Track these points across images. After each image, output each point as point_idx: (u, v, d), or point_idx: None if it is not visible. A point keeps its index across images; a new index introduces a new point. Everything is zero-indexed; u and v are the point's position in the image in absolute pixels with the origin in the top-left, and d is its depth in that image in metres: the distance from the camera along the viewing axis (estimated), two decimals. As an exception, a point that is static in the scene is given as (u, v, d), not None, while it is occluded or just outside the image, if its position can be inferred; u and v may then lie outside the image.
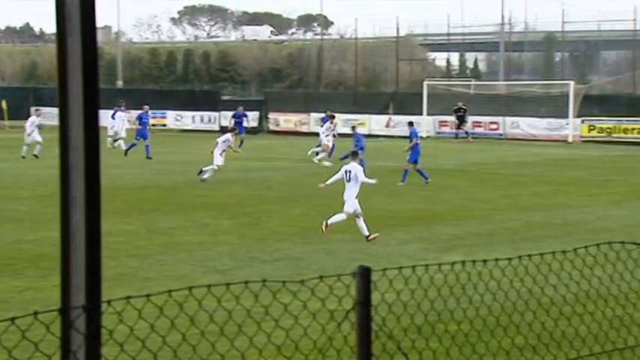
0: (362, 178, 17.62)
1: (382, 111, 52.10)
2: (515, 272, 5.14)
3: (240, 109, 43.49)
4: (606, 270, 5.61)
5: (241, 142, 38.90)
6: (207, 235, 17.32)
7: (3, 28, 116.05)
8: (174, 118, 56.09)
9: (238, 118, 41.43)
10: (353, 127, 33.14)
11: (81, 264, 3.17)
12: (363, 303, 3.82)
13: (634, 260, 5.64)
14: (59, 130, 3.17)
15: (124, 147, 37.69)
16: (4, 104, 46.49)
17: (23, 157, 34.58)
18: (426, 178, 26.16)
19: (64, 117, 3.21)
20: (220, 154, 27.35)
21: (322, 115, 39.78)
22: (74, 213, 3.23)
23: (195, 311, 3.90)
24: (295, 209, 20.91)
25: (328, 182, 18.17)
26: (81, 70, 3.16)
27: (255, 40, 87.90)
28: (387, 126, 50.40)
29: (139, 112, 38.79)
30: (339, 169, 18.03)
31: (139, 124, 37.94)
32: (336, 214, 17.25)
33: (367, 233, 16.62)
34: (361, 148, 29.68)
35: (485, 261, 4.59)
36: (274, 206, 21.45)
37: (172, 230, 17.87)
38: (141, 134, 37.41)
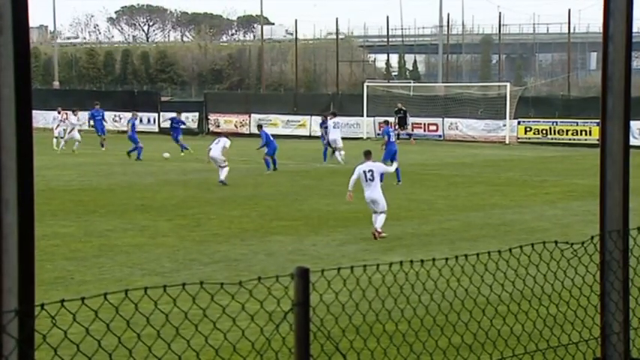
0: (388, 169, 19.03)
1: (323, 112, 52.25)
2: (452, 272, 5.20)
3: (178, 114, 41.65)
4: (540, 269, 5.72)
5: (182, 147, 37.69)
6: (146, 238, 17.17)
7: None
8: (113, 119, 55.40)
9: (176, 124, 40.12)
10: (259, 127, 33.35)
11: (13, 267, 3.13)
12: (302, 304, 3.83)
13: (567, 259, 5.75)
14: (-9, 132, 3.11)
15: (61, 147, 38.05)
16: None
17: None
18: (399, 180, 26.13)
19: (-5, 118, 3.15)
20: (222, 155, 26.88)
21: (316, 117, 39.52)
22: (6, 215, 3.18)
23: (131, 314, 3.86)
24: (235, 211, 20.85)
25: (350, 188, 17.72)
26: (13, 70, 3.12)
27: (193, 39, 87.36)
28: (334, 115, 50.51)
29: (92, 110, 40.42)
30: (353, 171, 17.72)
31: (93, 121, 39.77)
32: (378, 218, 16.98)
33: (380, 230, 16.73)
34: (270, 146, 29.91)
35: (422, 261, 4.64)
36: (214, 208, 21.36)
37: (110, 233, 17.66)
38: (101, 131, 40.00)
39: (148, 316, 3.92)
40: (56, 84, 67.44)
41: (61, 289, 12.23)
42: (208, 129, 54.08)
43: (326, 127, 35.47)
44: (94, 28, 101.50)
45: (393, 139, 29.10)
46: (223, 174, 26.19)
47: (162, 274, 13.65)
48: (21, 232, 3.16)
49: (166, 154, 34.70)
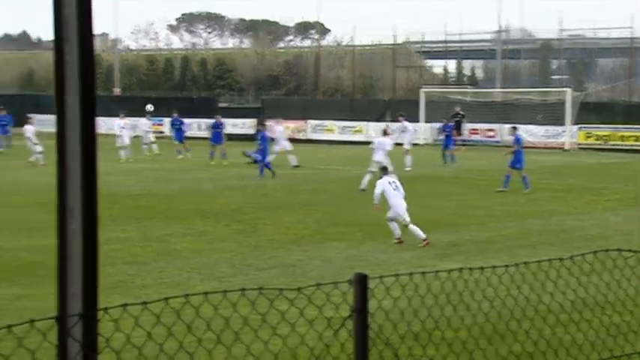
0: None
1: (379, 118, 52.14)
2: (512, 279, 5.14)
3: (218, 117, 40.27)
4: (603, 277, 5.61)
5: (224, 154, 36.56)
6: (204, 243, 17.31)
7: (1, 35, 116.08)
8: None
9: (217, 128, 38.55)
10: (262, 125, 33.44)
11: (77, 272, 3.17)
12: (360, 310, 3.82)
13: (630, 267, 5.64)
14: (56, 138, 3.17)
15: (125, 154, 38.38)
16: (2, 112, 46.47)
17: (42, 165, 34.18)
18: (527, 187, 25.86)
19: (61, 125, 3.21)
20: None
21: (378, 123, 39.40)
22: (71, 221, 3.22)
23: (192, 319, 3.89)
24: (291, 217, 20.90)
25: (376, 202, 17.70)
26: (78, 77, 3.16)
27: (251, 46, 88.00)
28: (385, 134, 50.37)
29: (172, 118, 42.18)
30: (378, 185, 17.68)
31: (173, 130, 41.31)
32: (415, 230, 16.95)
33: (423, 236, 16.78)
34: (265, 151, 30.13)
35: (482, 268, 4.59)
36: (270, 213, 21.44)
37: (168, 237, 17.85)
38: (179, 139, 40.50)
39: (208, 320, 3.95)
40: (117, 90, 68.48)
41: (122, 292, 12.38)
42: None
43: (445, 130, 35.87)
44: (154, 35, 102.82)
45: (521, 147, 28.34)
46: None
47: (219, 278, 13.74)
48: (85, 239, 3.20)
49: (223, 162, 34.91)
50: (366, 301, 3.83)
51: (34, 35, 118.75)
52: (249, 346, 4.07)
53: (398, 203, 17.29)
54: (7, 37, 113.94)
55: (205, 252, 16.25)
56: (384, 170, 18.38)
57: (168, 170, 33.50)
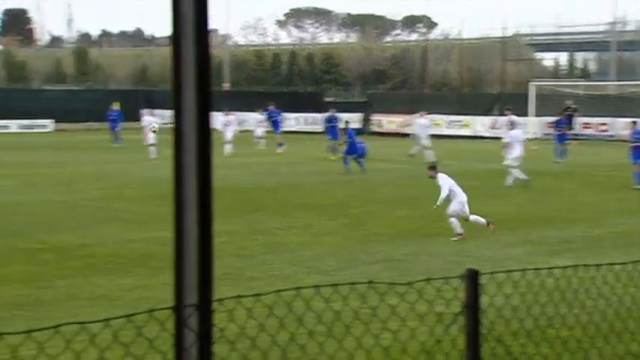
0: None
1: (487, 112, 51.43)
2: (631, 277, 4.99)
3: (333, 111, 39.38)
4: None
5: (334, 148, 35.08)
6: (310, 236, 17.44)
7: (117, 32, 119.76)
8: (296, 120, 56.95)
9: (331, 122, 37.52)
10: (346, 122, 32.81)
11: (193, 263, 3.24)
12: (472, 306, 3.78)
13: None
14: (173, 132, 3.24)
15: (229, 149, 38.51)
16: (117, 107, 47.99)
17: (152, 160, 34.92)
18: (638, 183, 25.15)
19: (178, 119, 3.28)
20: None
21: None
22: (187, 214, 3.30)
23: (303, 311, 3.94)
24: (398, 211, 20.84)
25: (440, 203, 17.53)
26: (194, 73, 3.23)
27: (357, 40, 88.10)
28: (493, 127, 49.70)
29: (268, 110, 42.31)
30: (445, 184, 17.55)
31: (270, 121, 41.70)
32: (477, 219, 17.31)
33: (486, 221, 17.06)
34: (353, 145, 29.59)
35: (598, 265, 4.48)
36: (377, 207, 21.43)
37: (276, 230, 18.06)
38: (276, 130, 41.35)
39: (319, 313, 3.98)
40: (226, 85, 69.71)
41: (230, 284, 12.59)
42: (370, 129, 54.39)
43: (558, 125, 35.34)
44: (263, 31, 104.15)
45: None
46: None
47: (326, 272, 13.82)
48: (200, 231, 3.27)
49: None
50: (478, 297, 3.79)
51: (147, 32, 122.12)
52: (360, 339, 4.09)
53: (463, 200, 17.17)
54: (123, 35, 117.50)
55: (311, 245, 16.38)
56: (434, 168, 17.92)
57: (275, 164, 33.89)
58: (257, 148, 41.05)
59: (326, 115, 39.91)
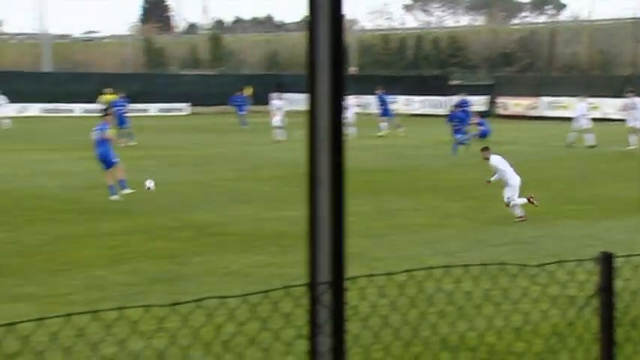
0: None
1: (617, 94, 49.58)
2: None
3: (463, 95, 37.97)
4: None
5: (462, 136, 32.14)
6: (436, 218, 17.30)
7: (249, 19, 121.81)
8: (404, 103, 56.57)
9: (462, 107, 35.53)
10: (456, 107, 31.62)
11: (326, 242, 3.26)
12: (606, 289, 3.66)
13: None
14: (307, 114, 3.26)
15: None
16: (249, 91, 48.89)
17: (278, 142, 35.49)
18: None
19: (312, 101, 3.30)
20: None
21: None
22: (320, 193, 3.31)
23: (433, 291, 3.90)
24: (525, 193, 20.38)
25: (494, 180, 17.45)
26: (329, 56, 3.24)
27: (484, 23, 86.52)
28: (623, 110, 47.86)
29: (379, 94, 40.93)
30: (499, 163, 17.29)
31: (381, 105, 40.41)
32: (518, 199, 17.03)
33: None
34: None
35: None
36: (502, 190, 21.02)
37: (401, 212, 18.01)
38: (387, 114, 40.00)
39: (448, 293, 3.94)
40: (353, 69, 69.87)
41: (357, 264, 12.63)
42: (496, 111, 53.41)
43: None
44: (389, 15, 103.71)
45: None
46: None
47: (452, 254, 13.68)
48: (333, 211, 3.28)
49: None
50: (612, 280, 3.67)
51: (277, 18, 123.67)
52: (491, 320, 4.03)
53: (519, 181, 16.91)
54: (255, 21, 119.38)
55: (437, 227, 16.25)
56: (487, 150, 17.80)
57: (402, 146, 33.75)
58: (397, 131, 40.45)
59: (455, 98, 39.14)
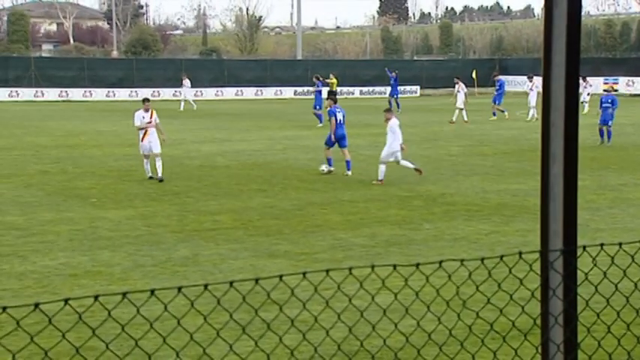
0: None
1: None
2: None
3: None
4: None
5: None
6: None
7: (477, 7, 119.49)
8: (626, 84, 53.23)
9: None
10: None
11: (559, 212, 3.16)
12: None
13: None
14: (543, 94, 3.17)
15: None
16: (474, 74, 48.14)
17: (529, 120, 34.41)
18: None
19: (547, 82, 3.19)
20: None
21: None
22: (553, 167, 3.22)
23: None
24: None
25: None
26: (565, 39, 3.11)
27: None
28: None
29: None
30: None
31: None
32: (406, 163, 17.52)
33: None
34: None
35: None
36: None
37: (622, 187, 17.02)
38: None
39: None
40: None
41: (579, 234, 12.09)
42: None
43: None
44: (614, 1, 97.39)
45: None
46: None
47: None
48: (566, 182, 3.18)
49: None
50: None
51: (504, 6, 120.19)
52: None
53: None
54: (482, 9, 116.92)
55: None
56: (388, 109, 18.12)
57: (619, 125, 31.73)
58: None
59: None
